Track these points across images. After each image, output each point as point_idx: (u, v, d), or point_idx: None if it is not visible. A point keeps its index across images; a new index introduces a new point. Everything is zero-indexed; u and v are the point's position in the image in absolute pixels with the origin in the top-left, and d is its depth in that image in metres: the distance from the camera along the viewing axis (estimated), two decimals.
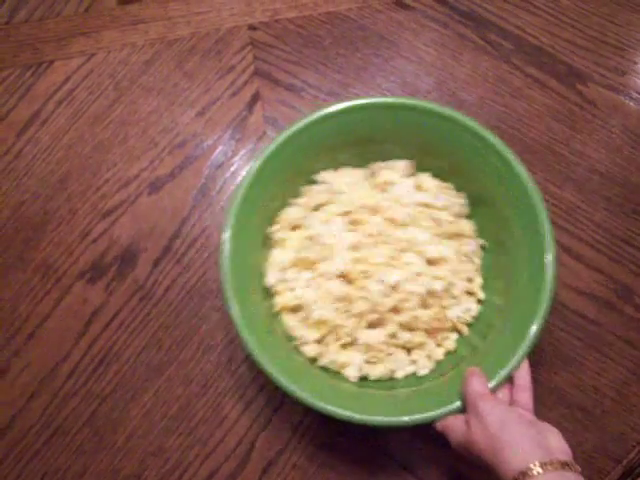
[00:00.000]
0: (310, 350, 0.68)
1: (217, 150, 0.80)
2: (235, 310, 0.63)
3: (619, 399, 0.72)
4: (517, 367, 0.63)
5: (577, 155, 0.80)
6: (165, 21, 0.85)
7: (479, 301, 0.71)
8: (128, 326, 0.74)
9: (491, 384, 0.62)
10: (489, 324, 0.69)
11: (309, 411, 0.71)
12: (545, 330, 0.73)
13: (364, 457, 0.71)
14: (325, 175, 0.73)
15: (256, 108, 0.81)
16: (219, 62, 0.83)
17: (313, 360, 0.68)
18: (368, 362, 0.69)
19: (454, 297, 0.69)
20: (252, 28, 0.84)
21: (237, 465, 0.71)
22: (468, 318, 0.70)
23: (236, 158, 0.80)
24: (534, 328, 0.63)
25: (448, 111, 0.68)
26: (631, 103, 0.81)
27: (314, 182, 0.73)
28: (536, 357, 0.73)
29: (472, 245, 0.71)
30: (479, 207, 0.72)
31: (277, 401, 0.72)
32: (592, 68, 0.83)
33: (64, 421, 0.72)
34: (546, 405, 0.72)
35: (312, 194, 0.73)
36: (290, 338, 0.69)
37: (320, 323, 0.68)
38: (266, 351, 0.63)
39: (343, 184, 0.72)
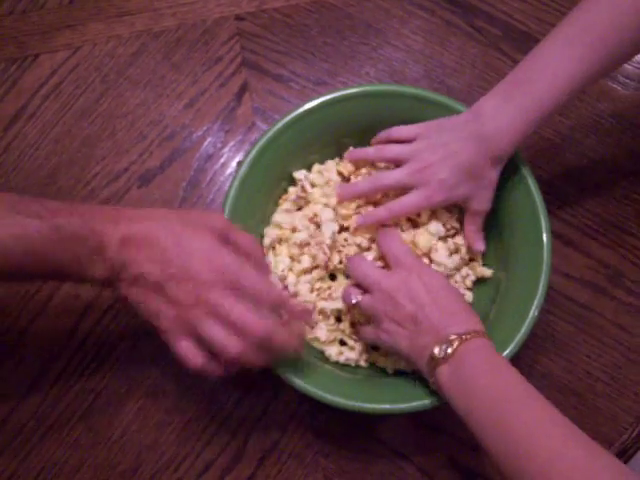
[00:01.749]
0: (336, 353, 0.69)
1: (206, 142, 0.79)
2: None
3: (611, 382, 0.73)
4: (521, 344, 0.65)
5: (566, 141, 0.80)
6: (151, 12, 0.84)
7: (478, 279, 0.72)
8: (121, 320, 0.74)
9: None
10: (491, 298, 0.70)
11: (303, 400, 0.71)
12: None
13: (360, 445, 0.71)
14: (298, 174, 0.73)
15: (244, 99, 0.81)
16: (206, 53, 0.82)
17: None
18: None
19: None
20: (239, 18, 0.84)
21: (233, 456, 0.71)
22: (468, 283, 0.71)
23: (225, 149, 0.79)
24: (539, 289, 0.65)
25: (431, 94, 0.70)
26: (619, 88, 0.82)
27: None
28: (528, 342, 0.72)
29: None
30: None
31: (271, 392, 0.72)
32: None
33: (59, 416, 0.72)
34: (539, 389, 0.72)
35: (291, 197, 0.73)
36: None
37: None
38: None
39: (317, 179, 0.72)
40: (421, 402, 0.63)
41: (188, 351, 0.58)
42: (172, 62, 0.82)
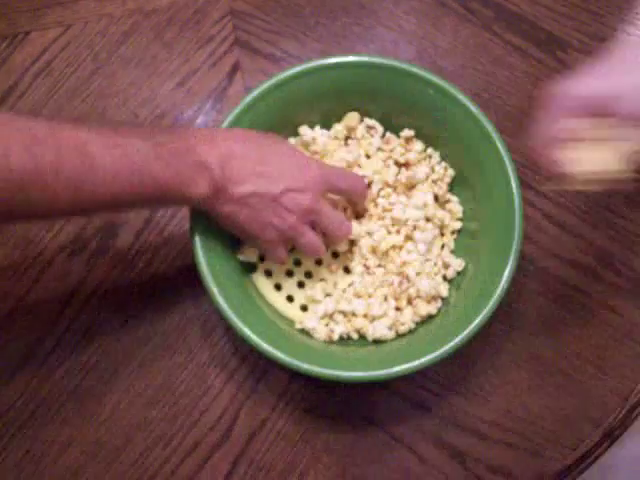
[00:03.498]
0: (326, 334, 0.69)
1: (198, 121, 0.79)
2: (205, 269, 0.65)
3: (600, 364, 0.73)
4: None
5: None
6: None
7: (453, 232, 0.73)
8: (110, 299, 0.74)
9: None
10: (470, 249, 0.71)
11: (293, 379, 0.72)
12: (527, 297, 0.74)
13: (349, 424, 0.71)
14: (305, 130, 0.73)
15: (236, 78, 0.81)
16: (198, 32, 0.82)
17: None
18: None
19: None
20: None
21: (222, 434, 0.71)
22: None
23: None
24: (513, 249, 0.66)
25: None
26: None
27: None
28: (518, 323, 0.74)
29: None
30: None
31: (261, 370, 0.72)
32: (572, 35, 0.82)
33: (48, 394, 0.72)
34: (528, 370, 0.73)
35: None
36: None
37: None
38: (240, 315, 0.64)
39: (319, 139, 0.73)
40: (399, 368, 0.63)
41: (283, 256, 0.67)
42: (164, 41, 0.82)
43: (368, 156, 0.73)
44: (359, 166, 0.73)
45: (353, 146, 0.73)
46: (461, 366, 0.72)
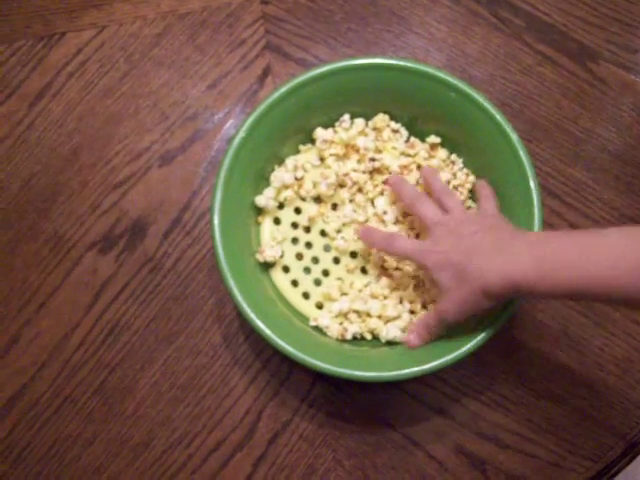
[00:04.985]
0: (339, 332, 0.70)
1: (228, 123, 0.80)
2: (229, 277, 0.65)
3: (623, 376, 0.73)
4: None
5: (586, 133, 0.80)
6: None
7: None
8: (138, 297, 0.75)
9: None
10: None
11: (316, 383, 0.72)
12: (550, 308, 0.74)
13: (371, 429, 0.72)
14: (320, 132, 0.74)
15: (267, 82, 0.81)
16: (230, 36, 0.83)
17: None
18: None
19: None
20: (264, 2, 0.84)
21: (244, 435, 0.72)
22: None
23: None
24: None
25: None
26: None
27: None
28: (541, 334, 0.73)
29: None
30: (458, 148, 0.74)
31: (285, 372, 0.73)
32: (603, 46, 0.82)
33: (74, 390, 0.73)
34: (551, 381, 0.73)
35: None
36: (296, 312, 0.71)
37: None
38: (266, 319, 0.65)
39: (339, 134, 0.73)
40: (410, 370, 0.63)
41: None
42: (196, 44, 0.83)
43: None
44: (380, 151, 0.73)
45: (371, 135, 0.74)
46: (483, 375, 0.73)
